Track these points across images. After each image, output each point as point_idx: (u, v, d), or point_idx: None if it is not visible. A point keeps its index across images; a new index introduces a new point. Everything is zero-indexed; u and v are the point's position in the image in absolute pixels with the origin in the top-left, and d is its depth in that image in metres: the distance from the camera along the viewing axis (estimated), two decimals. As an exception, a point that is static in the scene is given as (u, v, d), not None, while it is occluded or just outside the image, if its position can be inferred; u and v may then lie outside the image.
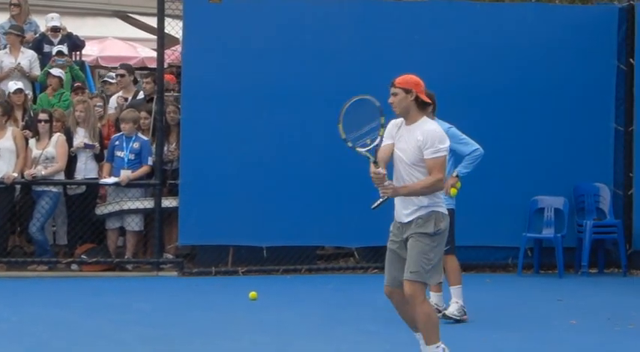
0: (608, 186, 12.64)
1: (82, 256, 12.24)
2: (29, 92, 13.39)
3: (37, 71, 13.69)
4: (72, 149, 12.32)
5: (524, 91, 12.54)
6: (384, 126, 6.91)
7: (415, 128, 6.95)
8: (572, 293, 11.14)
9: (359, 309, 9.74)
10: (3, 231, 12.18)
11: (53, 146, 12.19)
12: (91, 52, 18.43)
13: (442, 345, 6.98)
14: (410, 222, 6.93)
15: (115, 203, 12.36)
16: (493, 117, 12.31)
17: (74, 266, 12.26)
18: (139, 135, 12.47)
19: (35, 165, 12.11)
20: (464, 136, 9.30)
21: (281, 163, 12.09)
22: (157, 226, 12.25)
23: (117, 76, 14.16)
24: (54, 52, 13.71)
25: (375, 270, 11.63)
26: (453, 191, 9.20)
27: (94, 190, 12.52)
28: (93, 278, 11.99)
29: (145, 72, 14.18)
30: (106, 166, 12.47)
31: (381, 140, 6.90)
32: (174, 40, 13.79)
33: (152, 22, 15.27)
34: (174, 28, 12.79)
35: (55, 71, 13.31)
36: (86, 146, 12.32)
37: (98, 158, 12.49)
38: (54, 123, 12.30)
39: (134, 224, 12.38)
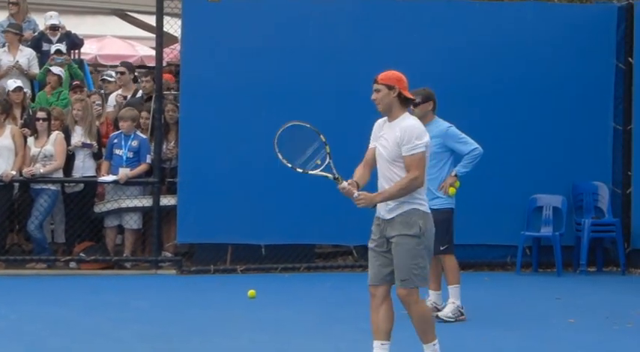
0: (607, 184, 12.65)
1: (81, 254, 12.24)
2: (28, 90, 13.39)
3: (35, 69, 13.69)
4: (70, 147, 12.33)
5: (523, 90, 12.54)
6: (326, 143, 6.91)
7: (396, 124, 6.90)
8: (570, 291, 11.14)
9: (357, 307, 9.71)
10: (1, 229, 12.19)
11: (51, 144, 12.20)
12: (89, 50, 18.42)
13: (438, 345, 6.97)
14: (392, 220, 6.87)
15: (114, 201, 12.36)
16: (492, 116, 12.31)
17: (72, 265, 12.26)
18: (138, 133, 12.47)
19: (33, 163, 12.11)
20: (463, 135, 9.30)
21: (279, 162, 12.07)
22: (156, 224, 12.25)
23: (117, 73, 14.15)
24: (52, 51, 13.71)
25: (374, 269, 11.63)
26: (452, 190, 9.21)
27: (92, 188, 12.52)
28: (91, 276, 11.99)
29: (143, 70, 14.15)
30: (105, 164, 12.47)
31: (330, 157, 6.90)
32: (173, 39, 13.78)
33: (151, 20, 15.25)
34: (172, 26, 12.77)
35: (55, 69, 13.31)
36: (84, 145, 12.32)
37: (96, 156, 12.49)
38: (52, 122, 12.30)
39: (132, 222, 12.38)
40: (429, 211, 6.98)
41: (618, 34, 12.81)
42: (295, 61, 12.28)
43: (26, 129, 12.44)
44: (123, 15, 21.58)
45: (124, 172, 12.23)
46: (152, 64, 14.63)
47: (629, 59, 12.75)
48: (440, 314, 9.17)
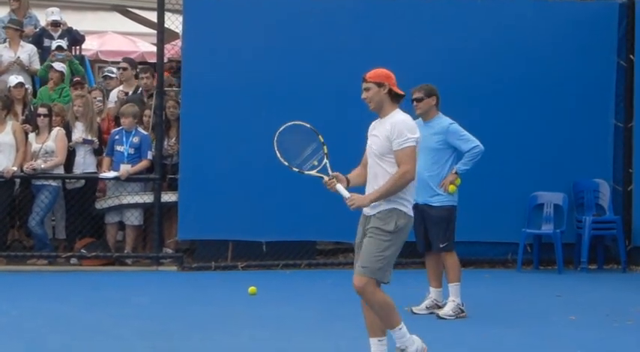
0: (608, 182, 12.64)
1: (82, 250, 12.25)
2: (29, 86, 13.38)
3: (36, 65, 13.69)
4: (70, 143, 12.33)
5: (524, 88, 12.53)
6: (324, 143, 6.93)
7: (386, 120, 6.89)
8: (571, 289, 11.14)
9: (358, 305, 9.60)
10: (2, 225, 12.19)
11: (53, 140, 12.20)
12: (90, 46, 18.39)
13: (405, 327, 6.91)
14: (373, 216, 6.85)
15: (115, 197, 12.36)
16: (493, 114, 12.30)
17: (73, 261, 12.27)
18: (139, 129, 12.47)
19: (35, 159, 12.11)
20: (464, 132, 9.30)
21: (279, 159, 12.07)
22: (157, 221, 12.26)
23: (119, 69, 14.13)
24: (54, 47, 13.70)
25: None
26: (452, 188, 9.20)
27: (92, 184, 12.53)
28: (92, 272, 12.00)
29: (141, 66, 14.13)
30: (106, 160, 12.47)
31: (327, 158, 6.92)
32: (174, 35, 13.78)
33: (152, 16, 15.25)
34: (174, 22, 12.79)
35: (58, 66, 13.30)
36: (85, 141, 12.32)
37: (97, 152, 12.50)
38: (53, 118, 12.31)
39: (134, 218, 12.38)
40: (411, 213, 6.91)
41: (619, 31, 12.80)
42: (297, 57, 12.28)
43: (27, 125, 12.44)
44: (124, 11, 21.54)
45: (125, 168, 12.24)
46: (153, 60, 14.63)
47: (631, 56, 12.74)
48: (440, 313, 9.17)
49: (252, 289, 10.18)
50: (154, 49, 13.83)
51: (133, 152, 12.35)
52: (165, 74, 13.74)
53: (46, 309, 9.60)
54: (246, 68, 12.23)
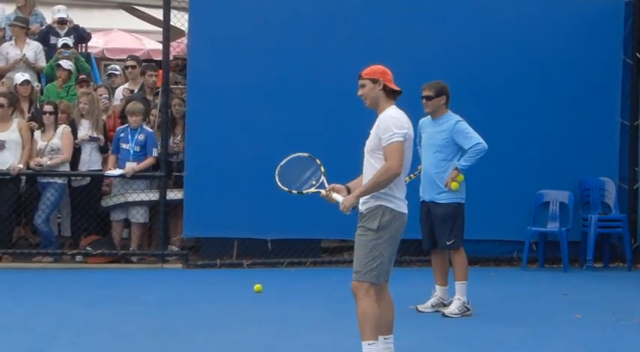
0: (614, 180, 12.64)
1: (87, 248, 12.26)
2: (37, 84, 13.40)
3: (42, 63, 13.70)
4: (76, 141, 12.34)
5: (530, 86, 12.52)
6: (321, 164, 7.08)
7: (380, 116, 6.88)
8: (577, 287, 11.13)
9: (363, 302, 9.73)
10: (8, 222, 12.21)
11: (58, 137, 12.21)
12: (96, 44, 18.41)
13: (376, 346, 6.71)
14: (362, 213, 6.83)
15: (120, 195, 12.37)
16: (498, 112, 12.29)
17: (79, 258, 12.28)
18: (145, 127, 12.47)
19: (40, 156, 12.12)
20: (470, 130, 9.29)
21: (286, 156, 12.06)
22: (162, 218, 12.26)
23: (127, 67, 14.11)
24: (60, 44, 13.71)
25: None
26: (454, 185, 9.19)
27: (98, 182, 12.53)
28: (98, 270, 12.01)
29: (146, 64, 14.13)
30: (112, 158, 12.47)
31: (324, 175, 7.10)
32: (179, 33, 13.78)
33: (158, 14, 15.23)
34: (179, 20, 12.80)
35: (65, 64, 13.30)
36: (91, 139, 12.33)
37: (102, 150, 12.51)
38: (59, 115, 12.32)
39: (139, 216, 12.39)
40: (402, 209, 6.80)
41: (626, 29, 12.79)
42: (303, 55, 12.26)
43: (33, 123, 12.45)
44: (130, 9, 21.53)
45: (130, 166, 12.24)
46: (159, 57, 14.63)
47: (637, 54, 12.74)
48: (446, 311, 9.17)
49: (257, 287, 10.18)
50: (160, 46, 13.85)
51: (138, 150, 12.35)
52: (171, 72, 13.73)
53: (52, 307, 9.60)
54: (251, 66, 12.22)
